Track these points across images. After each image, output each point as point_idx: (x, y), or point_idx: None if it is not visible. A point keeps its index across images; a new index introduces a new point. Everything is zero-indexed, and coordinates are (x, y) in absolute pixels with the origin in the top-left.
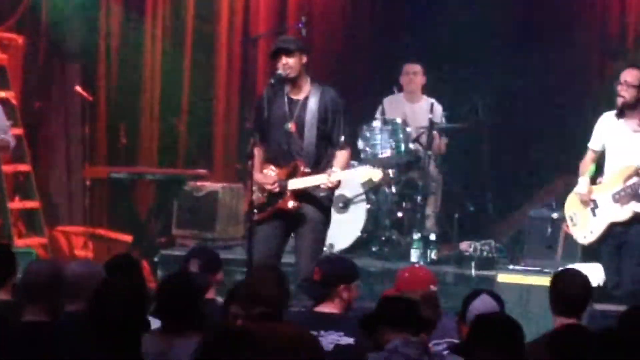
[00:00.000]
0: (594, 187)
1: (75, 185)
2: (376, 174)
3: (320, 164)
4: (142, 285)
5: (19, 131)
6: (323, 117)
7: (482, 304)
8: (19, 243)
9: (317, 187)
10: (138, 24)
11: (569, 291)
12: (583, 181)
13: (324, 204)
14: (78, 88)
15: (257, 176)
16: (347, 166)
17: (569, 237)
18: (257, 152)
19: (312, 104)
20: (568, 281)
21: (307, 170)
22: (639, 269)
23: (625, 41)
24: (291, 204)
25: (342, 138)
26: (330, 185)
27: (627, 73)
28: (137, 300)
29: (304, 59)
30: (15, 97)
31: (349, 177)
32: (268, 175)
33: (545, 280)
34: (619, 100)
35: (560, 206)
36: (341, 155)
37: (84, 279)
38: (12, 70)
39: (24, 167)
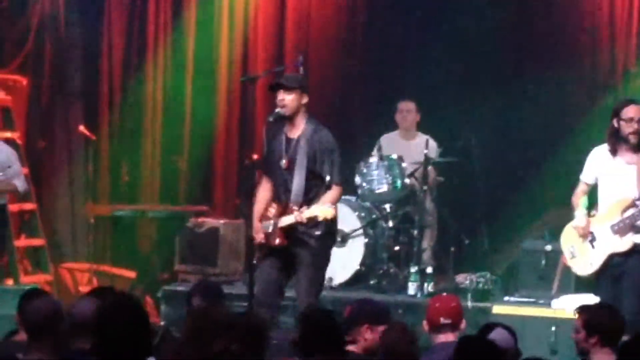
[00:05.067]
0: (590, 219)
1: (79, 223)
2: (328, 212)
3: (311, 202)
4: (143, 312)
5: (24, 170)
6: (312, 157)
7: (500, 336)
8: (25, 280)
9: (315, 225)
10: (139, 64)
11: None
12: (580, 214)
13: (321, 242)
14: (82, 128)
15: (256, 225)
16: (334, 204)
17: (564, 269)
18: (264, 188)
19: (303, 143)
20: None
21: (295, 208)
22: (637, 300)
23: (615, 75)
24: (277, 241)
25: (335, 177)
26: (299, 220)
27: (638, 109)
28: (140, 328)
29: (304, 99)
30: (19, 137)
31: (312, 215)
32: (262, 224)
33: (539, 311)
34: (634, 138)
35: (553, 238)
36: (328, 194)
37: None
38: (16, 110)
39: (29, 206)
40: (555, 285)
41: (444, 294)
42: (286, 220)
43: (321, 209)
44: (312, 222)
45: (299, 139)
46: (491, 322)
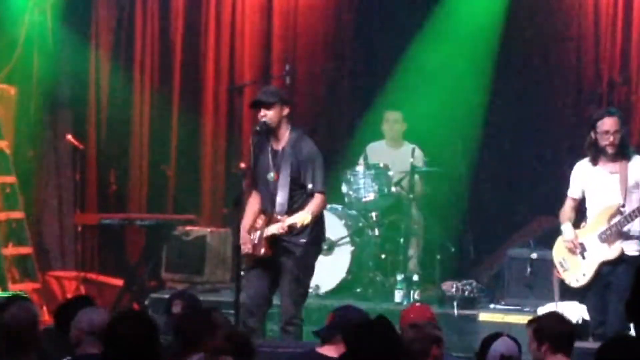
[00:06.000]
0: (578, 231)
1: (67, 231)
2: (305, 218)
3: (296, 212)
4: (150, 320)
5: (12, 179)
6: (295, 166)
7: (504, 345)
8: (13, 288)
9: (299, 234)
10: (127, 74)
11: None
12: (567, 228)
13: (306, 251)
14: (69, 137)
15: (243, 235)
16: (317, 212)
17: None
18: (253, 199)
19: (288, 153)
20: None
21: (280, 218)
22: (624, 309)
23: (600, 86)
24: (262, 251)
25: (318, 186)
26: (281, 231)
27: (612, 122)
28: (147, 337)
29: (285, 111)
30: (8, 146)
31: (292, 222)
32: (248, 235)
33: (525, 319)
34: (611, 149)
35: (538, 246)
36: (311, 202)
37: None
38: (4, 120)
39: (17, 214)
40: (556, 292)
41: (417, 304)
42: (270, 230)
43: (299, 216)
44: (294, 230)
45: (284, 150)
46: (497, 331)
